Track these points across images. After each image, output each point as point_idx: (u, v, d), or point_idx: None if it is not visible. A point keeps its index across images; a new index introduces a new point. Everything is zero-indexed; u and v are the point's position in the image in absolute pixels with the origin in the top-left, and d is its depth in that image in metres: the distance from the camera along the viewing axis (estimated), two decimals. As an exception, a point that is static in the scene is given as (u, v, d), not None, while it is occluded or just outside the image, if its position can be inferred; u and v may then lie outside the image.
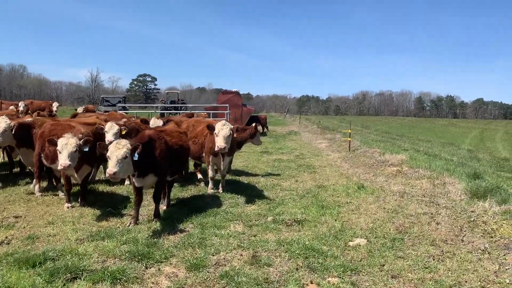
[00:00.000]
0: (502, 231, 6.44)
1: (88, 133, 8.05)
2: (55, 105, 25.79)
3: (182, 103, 42.11)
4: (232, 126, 8.74)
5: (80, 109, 25.59)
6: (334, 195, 9.31)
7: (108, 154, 6.16)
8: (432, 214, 7.55)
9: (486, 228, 6.59)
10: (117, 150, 6.12)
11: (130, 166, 6.35)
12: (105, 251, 5.57)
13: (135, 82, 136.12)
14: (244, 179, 11.18)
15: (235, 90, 26.29)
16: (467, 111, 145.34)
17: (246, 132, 11.10)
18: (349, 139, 17.56)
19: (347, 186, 10.12)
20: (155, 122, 10.22)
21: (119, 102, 34.31)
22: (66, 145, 7.01)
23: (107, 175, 6.13)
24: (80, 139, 7.30)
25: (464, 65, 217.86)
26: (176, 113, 25.23)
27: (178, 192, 9.39)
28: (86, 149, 7.38)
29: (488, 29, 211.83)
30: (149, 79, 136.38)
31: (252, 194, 9.14)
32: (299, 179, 11.38)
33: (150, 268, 5.20)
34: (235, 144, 9.69)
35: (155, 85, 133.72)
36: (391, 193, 9.35)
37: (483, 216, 7.14)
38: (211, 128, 8.73)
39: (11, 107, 18.43)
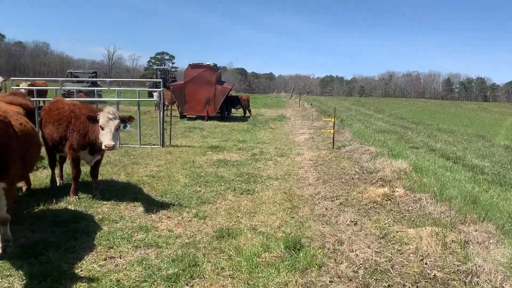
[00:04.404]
0: None
1: None
2: (-1, 79, 21.78)
3: (173, 81, 37.43)
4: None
5: (23, 85, 21.25)
6: (220, 277, 4.30)
7: None
8: None
9: None
10: None
11: None
12: None
13: (153, 61, 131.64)
14: (105, 208, 6.32)
15: (208, 63, 21.10)
16: (499, 94, 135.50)
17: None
18: (331, 131, 12.32)
19: (267, 245, 5.05)
20: None
21: (90, 77, 29.75)
22: None
23: None
24: None
25: (496, 45, 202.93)
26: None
27: None
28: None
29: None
30: (167, 57, 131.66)
31: (37, 275, 4.23)
32: (206, 210, 6.43)
33: None
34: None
35: (173, 63, 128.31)
36: (350, 271, 4.29)
37: None
38: None
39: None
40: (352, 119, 22.35)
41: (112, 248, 4.91)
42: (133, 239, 5.20)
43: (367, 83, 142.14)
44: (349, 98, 73.19)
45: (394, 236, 5.23)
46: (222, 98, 20.80)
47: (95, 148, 6.54)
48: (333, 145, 12.20)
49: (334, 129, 12.34)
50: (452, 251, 4.69)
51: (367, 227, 5.61)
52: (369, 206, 6.58)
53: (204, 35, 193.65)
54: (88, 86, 26.74)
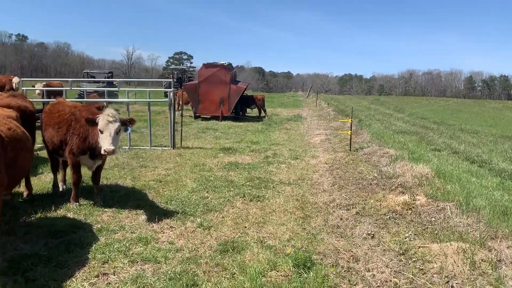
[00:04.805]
0: None
1: None
2: (15, 80, 21.85)
3: (189, 81, 37.28)
4: None
5: (38, 86, 21.24)
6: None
7: None
8: None
9: None
10: None
11: None
12: None
13: (171, 60, 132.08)
14: (105, 216, 5.99)
15: (222, 62, 20.73)
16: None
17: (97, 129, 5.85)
18: (348, 133, 11.78)
19: (275, 262, 4.60)
20: None
21: (106, 77, 29.77)
22: None
23: None
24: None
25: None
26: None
27: None
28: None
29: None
30: (185, 57, 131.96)
31: None
32: (211, 219, 6.04)
33: None
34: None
35: (191, 63, 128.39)
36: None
37: None
38: None
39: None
40: (371, 119, 21.67)
41: (106, 262, 4.55)
42: (131, 252, 4.83)
43: (387, 82, 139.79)
44: (368, 97, 71.95)
45: (415, 253, 4.72)
46: (236, 97, 20.41)
47: (95, 153, 6.21)
48: (350, 147, 11.68)
49: (351, 130, 11.80)
50: (482, 272, 4.17)
51: (386, 241, 5.11)
52: (387, 216, 6.07)
53: (222, 34, 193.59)
54: (104, 87, 26.70)
